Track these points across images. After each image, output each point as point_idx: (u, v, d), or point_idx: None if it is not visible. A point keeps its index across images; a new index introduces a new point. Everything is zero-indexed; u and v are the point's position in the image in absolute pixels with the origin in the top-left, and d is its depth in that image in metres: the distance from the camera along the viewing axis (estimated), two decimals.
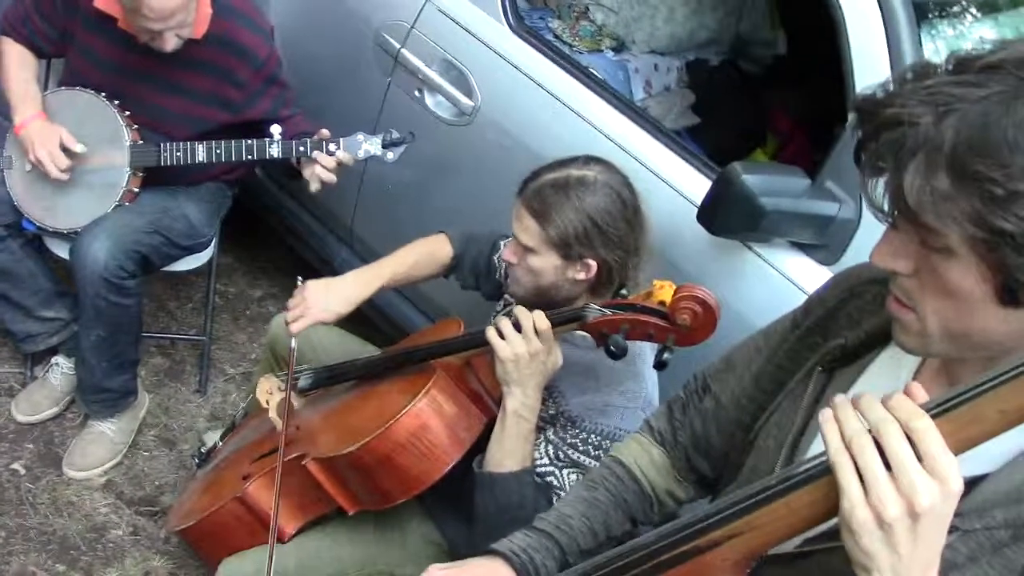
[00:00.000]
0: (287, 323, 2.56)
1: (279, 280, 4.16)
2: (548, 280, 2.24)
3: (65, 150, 2.98)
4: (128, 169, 3.03)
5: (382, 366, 2.49)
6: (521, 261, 2.26)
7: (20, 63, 3.13)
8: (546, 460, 2.21)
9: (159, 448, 3.46)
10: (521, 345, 2.11)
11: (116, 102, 3.05)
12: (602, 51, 3.78)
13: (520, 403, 2.14)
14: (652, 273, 2.24)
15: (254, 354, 3.85)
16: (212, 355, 3.77)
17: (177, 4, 2.77)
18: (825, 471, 1.12)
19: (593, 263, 2.19)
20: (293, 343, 2.56)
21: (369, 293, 2.58)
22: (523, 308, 2.16)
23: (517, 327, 2.13)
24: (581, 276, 2.22)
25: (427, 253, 2.67)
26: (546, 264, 2.22)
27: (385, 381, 2.44)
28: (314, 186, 2.94)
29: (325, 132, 2.93)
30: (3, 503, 3.17)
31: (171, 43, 2.88)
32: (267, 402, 2.65)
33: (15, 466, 3.29)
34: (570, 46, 3.70)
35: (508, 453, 2.16)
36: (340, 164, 2.91)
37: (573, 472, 2.17)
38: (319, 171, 2.91)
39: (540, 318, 2.11)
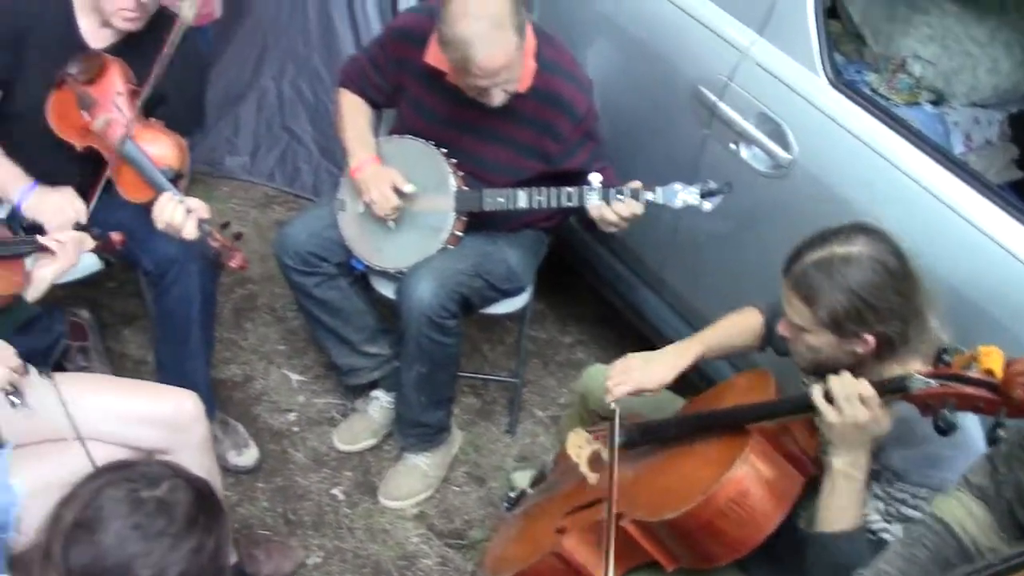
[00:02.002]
0: (608, 389, 2.62)
1: (588, 328, 4.21)
2: (826, 355, 2.21)
3: (396, 191, 3.15)
4: (453, 213, 3.16)
5: (697, 426, 2.49)
6: (796, 338, 2.25)
7: (356, 112, 3.35)
8: (877, 516, 2.17)
9: (469, 484, 3.58)
10: (849, 412, 2.07)
11: (443, 150, 3.20)
12: (919, 104, 3.69)
13: (849, 463, 2.11)
14: (978, 335, 2.16)
15: (563, 399, 3.91)
16: (523, 397, 3.87)
17: (503, 62, 2.88)
18: None
19: (870, 337, 2.14)
20: (616, 411, 2.59)
21: (688, 364, 2.64)
22: (848, 374, 2.12)
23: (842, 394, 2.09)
24: (860, 350, 2.17)
25: (739, 323, 2.71)
26: (821, 342, 2.19)
27: (699, 442, 2.42)
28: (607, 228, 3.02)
29: (636, 184, 2.98)
30: (323, 526, 3.36)
31: (498, 98, 3.00)
32: (577, 456, 2.69)
33: (334, 491, 3.48)
34: (886, 99, 3.63)
35: (841, 512, 2.13)
36: (632, 214, 2.96)
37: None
38: (608, 216, 2.97)
39: (865, 388, 2.06)
